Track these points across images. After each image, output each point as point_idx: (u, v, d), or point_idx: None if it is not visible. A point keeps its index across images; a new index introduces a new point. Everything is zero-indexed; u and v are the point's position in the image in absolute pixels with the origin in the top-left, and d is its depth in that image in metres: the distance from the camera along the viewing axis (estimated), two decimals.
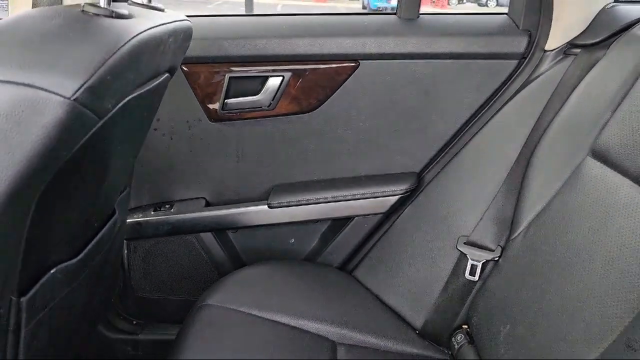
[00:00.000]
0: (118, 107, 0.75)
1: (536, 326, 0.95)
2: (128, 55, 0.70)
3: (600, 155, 1.00)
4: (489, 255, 1.17)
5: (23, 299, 0.76)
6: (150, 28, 0.79)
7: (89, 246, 0.94)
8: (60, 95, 0.61)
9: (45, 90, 0.61)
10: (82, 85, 0.62)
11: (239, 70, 1.34)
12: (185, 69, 1.32)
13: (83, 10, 0.75)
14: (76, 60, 0.64)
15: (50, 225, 0.77)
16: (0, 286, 0.69)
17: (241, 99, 1.36)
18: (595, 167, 1.00)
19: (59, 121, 0.61)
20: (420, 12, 1.40)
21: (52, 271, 0.83)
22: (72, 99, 0.61)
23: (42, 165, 0.63)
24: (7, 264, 0.69)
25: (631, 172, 0.91)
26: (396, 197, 1.40)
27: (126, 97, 0.77)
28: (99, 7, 0.76)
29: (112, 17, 0.76)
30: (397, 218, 1.39)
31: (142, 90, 0.85)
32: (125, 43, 0.71)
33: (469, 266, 1.19)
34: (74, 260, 0.89)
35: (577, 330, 0.86)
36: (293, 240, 1.49)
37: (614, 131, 0.99)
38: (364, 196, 1.40)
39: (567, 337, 0.87)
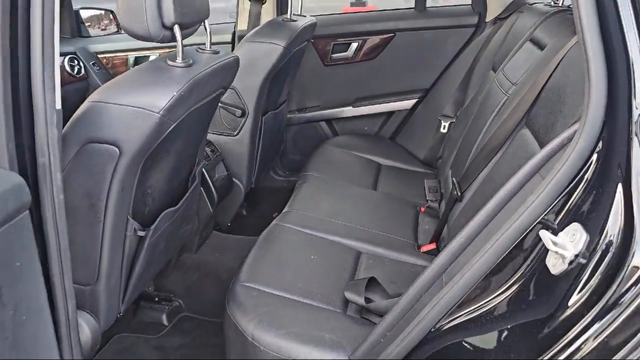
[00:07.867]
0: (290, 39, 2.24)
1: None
2: (302, 31, 2.19)
3: (494, 69, 2.33)
4: (451, 120, 2.54)
5: None
6: (308, 22, 2.27)
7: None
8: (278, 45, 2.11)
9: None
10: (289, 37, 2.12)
11: (338, 41, 2.79)
12: (312, 41, 2.79)
13: (283, 20, 2.26)
14: (282, 35, 2.14)
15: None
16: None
17: (339, 54, 2.81)
18: (493, 75, 2.33)
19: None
20: (427, 6, 2.77)
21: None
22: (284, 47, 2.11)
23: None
24: None
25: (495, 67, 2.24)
26: (414, 100, 2.81)
27: (301, 45, 2.26)
28: (287, 19, 2.26)
29: (290, 21, 2.26)
30: (416, 110, 2.80)
31: (301, 45, 2.33)
32: (300, 28, 2.19)
33: (445, 124, 2.57)
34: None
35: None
36: (367, 127, 2.94)
37: (498, 56, 2.32)
38: (400, 99, 2.83)
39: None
